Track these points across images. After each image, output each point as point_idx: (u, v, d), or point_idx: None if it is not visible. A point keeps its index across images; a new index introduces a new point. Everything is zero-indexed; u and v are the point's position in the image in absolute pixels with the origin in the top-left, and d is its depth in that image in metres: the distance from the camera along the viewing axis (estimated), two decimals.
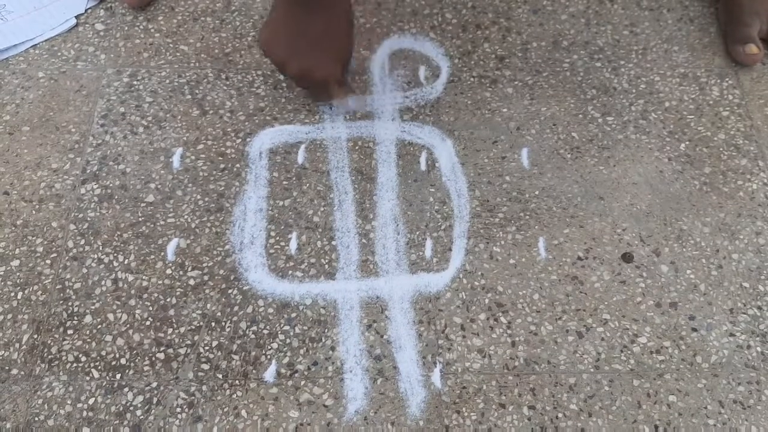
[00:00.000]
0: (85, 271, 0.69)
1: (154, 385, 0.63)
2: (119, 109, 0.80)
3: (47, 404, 0.62)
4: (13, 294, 0.68)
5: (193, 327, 0.66)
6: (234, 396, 0.63)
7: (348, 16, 0.72)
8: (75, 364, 0.64)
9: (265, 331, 0.66)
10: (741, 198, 0.75)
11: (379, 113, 0.80)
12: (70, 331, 0.66)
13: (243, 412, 0.62)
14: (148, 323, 0.66)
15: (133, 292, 0.68)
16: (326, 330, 0.66)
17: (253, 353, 0.65)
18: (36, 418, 0.61)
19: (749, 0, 0.85)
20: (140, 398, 0.62)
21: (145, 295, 0.68)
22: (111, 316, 0.67)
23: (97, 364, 0.64)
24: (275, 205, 0.73)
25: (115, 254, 0.70)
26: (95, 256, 0.70)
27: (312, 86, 0.76)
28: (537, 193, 0.75)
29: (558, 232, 0.73)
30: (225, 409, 0.62)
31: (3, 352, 0.65)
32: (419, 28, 0.87)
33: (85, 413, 0.62)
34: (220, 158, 0.77)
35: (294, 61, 0.71)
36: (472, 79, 0.83)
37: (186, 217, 0.73)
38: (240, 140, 0.78)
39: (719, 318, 0.68)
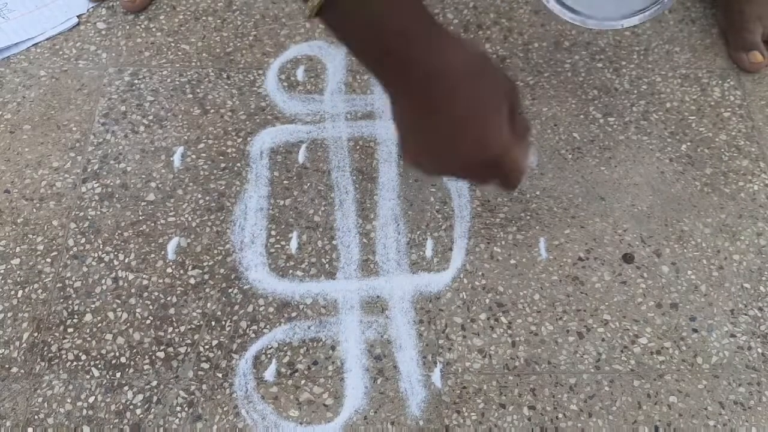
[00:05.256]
0: (85, 269, 0.69)
1: (154, 383, 0.63)
2: (120, 108, 0.80)
3: (47, 402, 0.62)
4: (13, 292, 0.68)
5: (194, 326, 0.66)
6: (234, 395, 0.63)
7: (475, 53, 0.46)
8: (75, 363, 0.64)
9: (266, 331, 0.66)
10: (742, 199, 0.75)
11: (381, 113, 0.80)
12: (70, 330, 0.66)
13: (242, 411, 0.62)
14: (148, 322, 0.66)
15: (133, 290, 0.68)
16: (326, 329, 0.66)
17: (254, 352, 0.65)
18: (36, 417, 0.61)
19: (749, 6, 0.83)
20: (140, 397, 0.62)
21: (146, 294, 0.68)
22: (111, 315, 0.67)
23: (97, 362, 0.64)
24: (276, 204, 0.73)
25: (116, 253, 0.70)
26: (96, 254, 0.70)
27: (496, 169, 0.49)
28: (538, 193, 0.75)
29: (559, 233, 0.72)
30: (225, 408, 0.62)
31: (3, 350, 0.65)
32: None
33: (85, 412, 0.62)
34: (221, 157, 0.77)
35: (455, 160, 0.48)
36: None
37: (186, 216, 0.73)
38: (241, 139, 0.78)
39: (720, 319, 0.68)
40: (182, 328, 0.66)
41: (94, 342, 0.65)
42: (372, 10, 0.43)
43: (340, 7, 0.42)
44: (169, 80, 0.82)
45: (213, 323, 0.66)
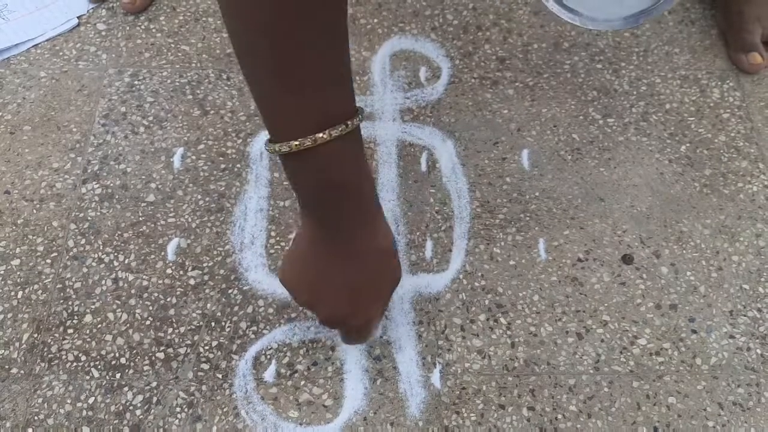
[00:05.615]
0: (85, 270, 0.69)
1: (154, 384, 0.63)
2: (120, 109, 0.80)
3: (47, 403, 0.62)
4: (13, 293, 0.68)
5: (193, 327, 0.66)
6: (233, 396, 0.63)
7: (388, 241, 0.54)
8: (75, 364, 0.64)
9: (265, 331, 0.66)
10: (741, 200, 0.75)
11: (380, 114, 0.80)
12: (70, 331, 0.66)
13: (242, 412, 0.62)
14: (148, 323, 0.66)
15: (133, 291, 0.68)
16: (326, 330, 0.66)
17: (253, 353, 0.65)
18: (36, 417, 0.61)
19: (749, 6, 0.83)
20: (140, 398, 0.63)
21: (146, 295, 0.68)
22: (111, 316, 0.67)
23: (97, 363, 0.64)
24: (276, 205, 0.74)
25: (116, 254, 0.70)
26: (96, 255, 0.70)
27: (345, 331, 0.60)
28: (537, 194, 0.75)
29: (558, 234, 0.73)
30: (224, 409, 0.62)
31: (3, 350, 0.65)
32: (420, 29, 0.88)
33: (84, 412, 0.62)
34: (221, 158, 0.77)
35: (325, 307, 0.55)
36: (472, 80, 0.83)
37: (186, 217, 0.73)
38: (241, 140, 0.78)
39: (719, 320, 0.68)
40: (182, 329, 0.66)
41: (93, 343, 0.65)
42: (331, 170, 0.46)
43: (310, 158, 0.45)
44: (169, 81, 0.82)
45: (213, 324, 0.66)
